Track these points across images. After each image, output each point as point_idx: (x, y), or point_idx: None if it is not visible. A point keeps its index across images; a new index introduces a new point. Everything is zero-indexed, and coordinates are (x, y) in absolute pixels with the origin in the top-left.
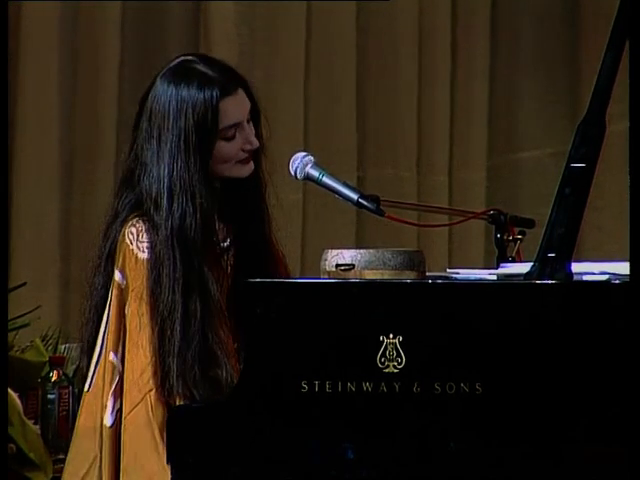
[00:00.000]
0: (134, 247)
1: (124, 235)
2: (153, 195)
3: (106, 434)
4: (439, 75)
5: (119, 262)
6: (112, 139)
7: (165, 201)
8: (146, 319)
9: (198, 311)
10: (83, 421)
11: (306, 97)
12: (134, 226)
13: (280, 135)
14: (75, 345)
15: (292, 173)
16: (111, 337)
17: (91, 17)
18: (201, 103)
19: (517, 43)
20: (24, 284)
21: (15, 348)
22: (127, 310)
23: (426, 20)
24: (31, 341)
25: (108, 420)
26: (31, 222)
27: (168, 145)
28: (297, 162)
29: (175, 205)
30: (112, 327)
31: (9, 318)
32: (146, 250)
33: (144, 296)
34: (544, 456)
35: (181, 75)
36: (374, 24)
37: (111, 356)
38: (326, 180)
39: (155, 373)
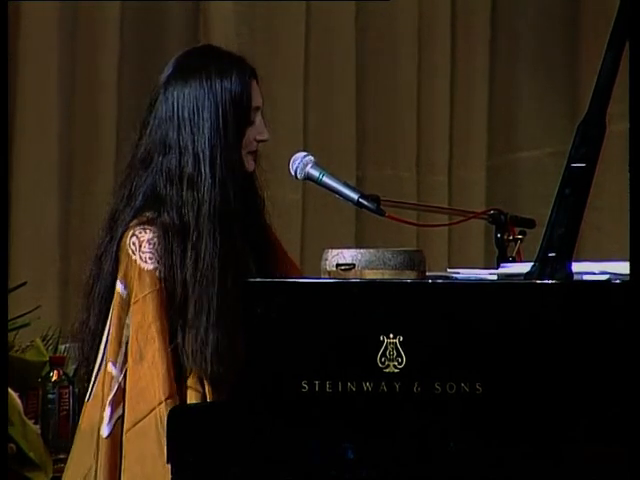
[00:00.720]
0: (137, 258)
1: (126, 245)
2: (187, 171)
3: (102, 444)
4: (438, 75)
5: (121, 272)
6: (112, 139)
7: (208, 173)
8: (154, 330)
9: (231, 284)
10: (83, 430)
11: (305, 97)
12: (135, 236)
13: (280, 135)
14: (75, 345)
15: (292, 173)
16: (110, 347)
17: (90, 17)
18: (236, 79)
19: (517, 43)
20: (24, 284)
21: (15, 348)
22: (129, 321)
23: (426, 20)
24: (31, 341)
25: (104, 431)
26: (30, 222)
27: (206, 120)
28: (297, 162)
29: (218, 177)
30: (112, 337)
31: (9, 318)
32: (149, 261)
33: (155, 305)
34: (544, 456)
35: (208, 55)
36: (373, 24)
37: (109, 366)
38: (326, 180)
39: (165, 385)
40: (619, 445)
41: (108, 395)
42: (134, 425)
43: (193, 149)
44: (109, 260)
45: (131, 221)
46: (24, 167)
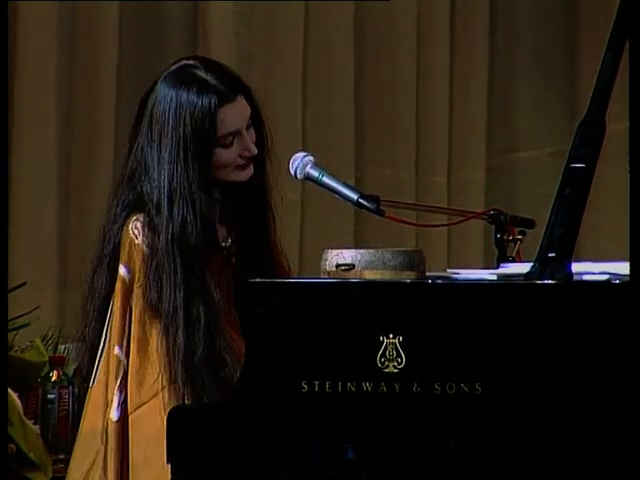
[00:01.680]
0: (140, 242)
1: (129, 229)
2: (155, 199)
3: (112, 429)
4: (437, 75)
5: (124, 257)
6: (110, 139)
7: (165, 207)
8: (156, 314)
9: (202, 317)
10: (89, 416)
11: (304, 97)
12: (139, 221)
13: (278, 135)
14: (75, 345)
15: (292, 173)
16: (115, 331)
17: (89, 17)
18: (199, 110)
19: (515, 43)
20: (24, 284)
21: (15, 348)
22: (133, 304)
23: (425, 20)
24: (31, 341)
25: (114, 414)
26: (29, 222)
27: (168, 151)
28: (297, 162)
29: (175, 211)
30: (116, 321)
31: (8, 318)
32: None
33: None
34: (544, 456)
35: (181, 80)
36: (372, 24)
37: (116, 350)
38: (326, 180)
39: (169, 370)
40: (619, 445)
41: (116, 379)
42: (137, 409)
43: (158, 180)
44: (102, 277)
45: (123, 227)
46: (22, 167)
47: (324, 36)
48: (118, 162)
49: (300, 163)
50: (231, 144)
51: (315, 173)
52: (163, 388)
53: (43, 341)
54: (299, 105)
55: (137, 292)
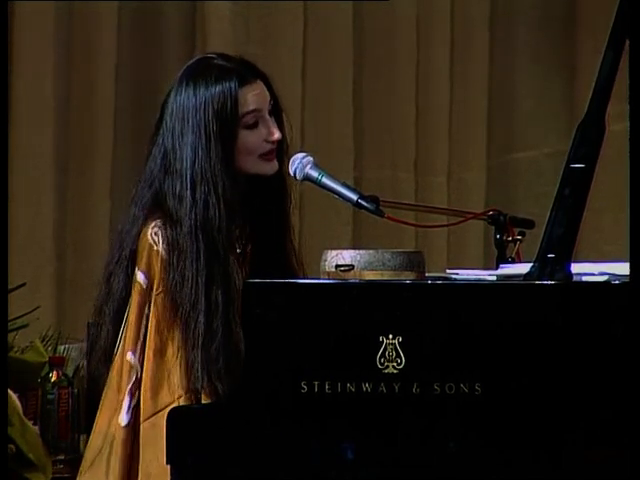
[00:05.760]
0: (160, 249)
1: (147, 236)
2: (177, 191)
3: (119, 433)
4: (437, 76)
5: (142, 263)
6: (108, 138)
7: (188, 192)
8: (177, 323)
9: (220, 303)
10: (101, 418)
11: (303, 97)
12: (157, 226)
13: None
14: (75, 345)
15: (292, 174)
16: (130, 336)
17: (86, 17)
18: (220, 93)
19: (514, 44)
20: (24, 285)
21: (15, 349)
22: (151, 312)
23: (424, 21)
24: (31, 342)
25: (123, 419)
26: (26, 222)
27: (190, 138)
28: (297, 163)
29: (198, 196)
30: (131, 326)
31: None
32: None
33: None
34: (543, 457)
35: (199, 71)
36: (371, 24)
37: (129, 355)
38: (325, 181)
39: (186, 378)
40: (619, 447)
41: (127, 384)
42: (152, 416)
43: (180, 168)
44: (119, 280)
45: (141, 232)
46: (20, 167)
47: (323, 36)
48: (116, 161)
49: (300, 164)
50: (255, 125)
51: (315, 174)
52: (180, 397)
53: (42, 341)
54: (298, 105)
55: (156, 300)
